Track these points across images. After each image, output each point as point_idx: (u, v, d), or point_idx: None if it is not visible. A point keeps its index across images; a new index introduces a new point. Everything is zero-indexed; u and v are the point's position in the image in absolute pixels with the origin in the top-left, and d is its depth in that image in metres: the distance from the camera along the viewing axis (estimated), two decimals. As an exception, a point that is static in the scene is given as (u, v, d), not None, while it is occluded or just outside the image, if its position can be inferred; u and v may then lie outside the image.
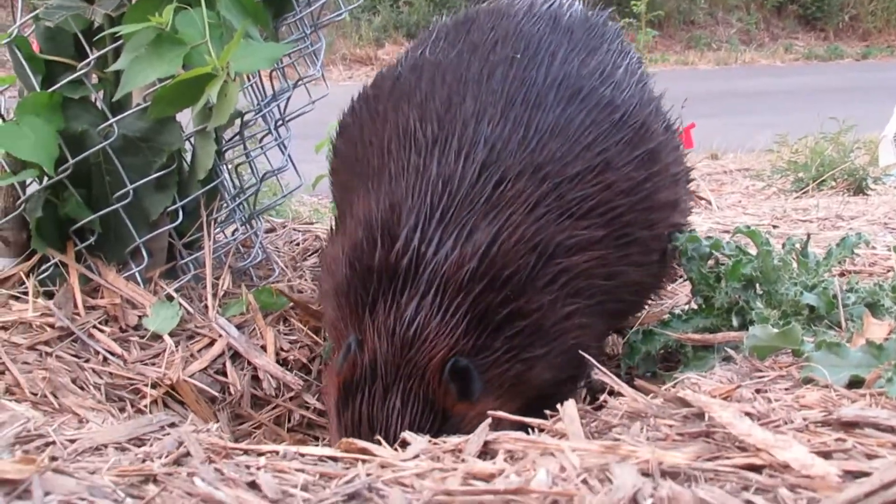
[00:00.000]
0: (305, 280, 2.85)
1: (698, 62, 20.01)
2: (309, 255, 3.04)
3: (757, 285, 2.32)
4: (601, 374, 1.81)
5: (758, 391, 1.67)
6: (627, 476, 1.19)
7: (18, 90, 2.54)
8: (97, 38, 2.45)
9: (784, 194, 6.99)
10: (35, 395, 2.05)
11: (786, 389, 1.72)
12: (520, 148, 2.08)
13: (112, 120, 2.37)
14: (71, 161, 2.40)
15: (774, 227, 4.58)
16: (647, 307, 2.76)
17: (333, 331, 2.14)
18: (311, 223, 3.37)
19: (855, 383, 1.69)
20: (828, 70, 18.98)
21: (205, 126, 2.47)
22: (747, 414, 1.52)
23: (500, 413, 1.67)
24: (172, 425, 1.68)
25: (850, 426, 1.45)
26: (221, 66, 2.14)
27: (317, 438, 2.44)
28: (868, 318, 1.90)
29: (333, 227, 2.47)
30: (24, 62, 2.43)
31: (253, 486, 1.22)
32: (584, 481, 1.19)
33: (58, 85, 2.41)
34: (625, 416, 1.57)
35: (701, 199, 5.88)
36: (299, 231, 3.22)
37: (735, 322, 2.29)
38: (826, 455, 1.31)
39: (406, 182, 2.06)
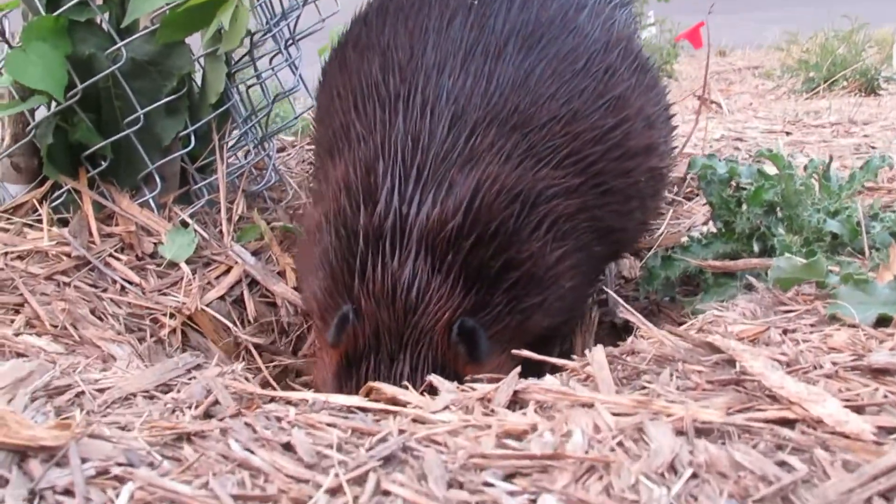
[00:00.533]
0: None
1: (705, -46, 19.52)
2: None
3: (779, 210, 2.30)
4: (626, 312, 1.80)
5: (785, 332, 1.65)
6: (664, 438, 1.19)
7: (22, 13, 2.48)
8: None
9: (794, 95, 6.91)
10: (55, 327, 2.04)
11: (812, 326, 1.71)
12: (483, 101, 2.03)
13: (120, 44, 2.33)
14: (80, 86, 2.38)
15: (788, 133, 4.52)
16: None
17: (319, 302, 2.05)
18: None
19: (883, 321, 1.69)
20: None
21: (215, 49, 2.42)
22: (777, 361, 1.52)
23: (526, 353, 1.68)
24: (198, 367, 1.68)
25: (880, 373, 1.45)
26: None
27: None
28: (894, 250, 1.87)
29: (313, 188, 2.44)
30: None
31: (288, 447, 1.21)
32: (620, 444, 1.19)
33: (63, 8, 2.36)
34: (653, 360, 1.56)
35: (711, 102, 5.82)
36: (311, 149, 3.20)
37: (756, 248, 2.29)
38: (859, 410, 1.31)
39: (376, 141, 2.01)
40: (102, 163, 2.48)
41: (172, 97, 2.44)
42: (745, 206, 2.30)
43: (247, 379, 1.83)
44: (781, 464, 1.16)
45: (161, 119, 2.46)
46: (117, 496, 1.07)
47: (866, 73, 6.69)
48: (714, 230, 2.43)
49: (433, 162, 1.95)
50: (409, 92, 2.05)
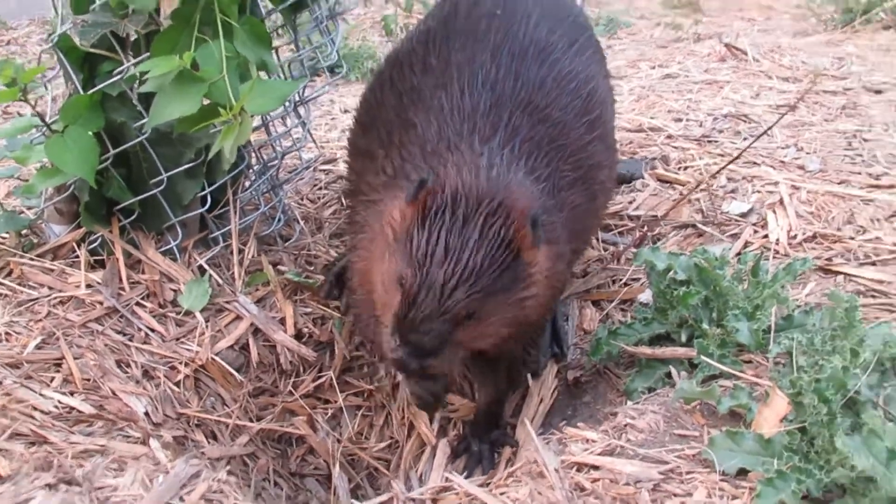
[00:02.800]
0: (321, 235, 3.14)
1: None
2: (328, 203, 3.30)
3: (710, 303, 2.58)
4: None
5: (655, 487, 1.96)
6: None
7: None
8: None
9: (829, 28, 6.86)
10: (88, 381, 2.42)
11: (686, 473, 2.01)
12: (513, 92, 2.45)
13: (147, 119, 2.57)
14: (112, 151, 2.68)
15: (794, 108, 4.60)
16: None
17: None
18: (334, 159, 3.57)
19: (743, 471, 2.00)
20: None
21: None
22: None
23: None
24: (194, 476, 2.05)
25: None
26: (237, 113, 2.36)
27: (327, 402, 2.82)
28: (767, 405, 2.13)
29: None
30: (65, 59, 2.64)
31: None
32: None
33: (98, 86, 2.63)
34: None
35: (736, 49, 5.84)
36: (323, 171, 3.46)
37: (684, 337, 2.57)
38: None
39: (440, 114, 2.43)
40: (132, 215, 2.79)
41: (192, 164, 2.72)
42: (679, 303, 2.57)
43: (239, 476, 2.23)
44: None
45: (182, 181, 2.75)
46: None
47: (899, 10, 6.62)
48: (654, 307, 2.70)
49: (488, 124, 2.38)
50: (457, 81, 2.47)
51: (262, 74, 2.58)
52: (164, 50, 2.41)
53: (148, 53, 2.49)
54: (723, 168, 3.48)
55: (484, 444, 2.59)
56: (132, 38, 2.66)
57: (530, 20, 2.62)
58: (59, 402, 2.32)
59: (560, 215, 2.41)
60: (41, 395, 2.32)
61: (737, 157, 3.52)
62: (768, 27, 7.01)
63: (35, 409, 2.26)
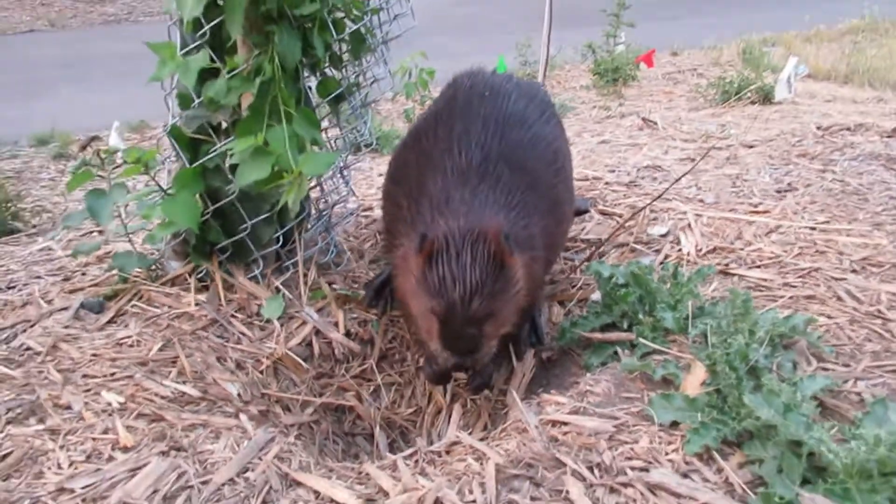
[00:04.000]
0: (363, 261, 3.00)
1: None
2: (367, 239, 3.16)
3: (644, 300, 2.42)
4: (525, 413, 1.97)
5: (611, 437, 1.80)
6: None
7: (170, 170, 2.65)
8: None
9: (713, 105, 6.73)
10: (196, 372, 2.28)
11: (632, 426, 1.86)
12: (499, 148, 2.32)
13: (236, 185, 2.47)
14: (211, 207, 2.55)
15: (692, 159, 4.47)
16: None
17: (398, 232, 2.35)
18: (371, 207, 3.44)
19: (675, 423, 1.84)
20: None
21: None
22: (599, 464, 1.69)
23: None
24: (270, 441, 1.90)
25: (656, 487, 1.62)
26: (296, 176, 2.23)
27: (370, 380, 2.66)
28: (690, 373, 1.98)
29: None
30: (176, 143, 2.52)
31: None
32: None
33: (199, 160, 2.52)
34: (523, 465, 1.74)
35: (650, 122, 5.72)
36: (364, 216, 3.32)
37: (625, 324, 2.41)
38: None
39: (440, 171, 2.29)
40: (227, 251, 2.66)
41: (267, 214, 2.59)
42: (621, 300, 2.42)
43: (306, 438, 2.07)
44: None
45: (261, 227, 2.61)
46: None
47: (763, 89, 6.52)
48: (602, 304, 2.55)
49: (475, 175, 2.25)
50: (454, 144, 2.33)
51: (315, 148, 2.43)
52: (244, 133, 2.30)
53: (233, 137, 2.37)
54: (647, 206, 3.32)
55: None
56: (223, 127, 2.53)
57: (510, 97, 2.50)
58: (175, 389, 2.17)
59: (536, 232, 2.31)
60: (162, 384, 2.17)
61: (657, 199, 3.37)
62: (671, 106, 6.88)
63: (156, 395, 2.11)
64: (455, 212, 2.12)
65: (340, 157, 2.87)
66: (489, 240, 1.99)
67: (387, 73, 2.79)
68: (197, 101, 2.46)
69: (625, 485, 1.62)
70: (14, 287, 2.76)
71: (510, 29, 9.96)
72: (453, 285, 1.93)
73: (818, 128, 4.95)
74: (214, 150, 2.47)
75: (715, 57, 9.57)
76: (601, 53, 7.66)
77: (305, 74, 2.60)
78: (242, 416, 2.10)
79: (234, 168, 2.44)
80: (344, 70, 2.72)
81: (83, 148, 2.70)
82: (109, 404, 2.01)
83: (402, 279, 2.21)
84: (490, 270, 1.97)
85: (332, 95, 2.66)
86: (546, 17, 6.54)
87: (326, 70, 2.67)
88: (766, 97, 6.57)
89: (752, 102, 6.59)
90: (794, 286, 2.59)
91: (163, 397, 2.11)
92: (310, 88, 2.66)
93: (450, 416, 2.42)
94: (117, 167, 2.70)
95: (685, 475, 1.63)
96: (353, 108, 2.80)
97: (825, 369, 2.06)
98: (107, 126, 6.49)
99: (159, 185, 2.49)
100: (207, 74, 2.41)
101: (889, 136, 4.53)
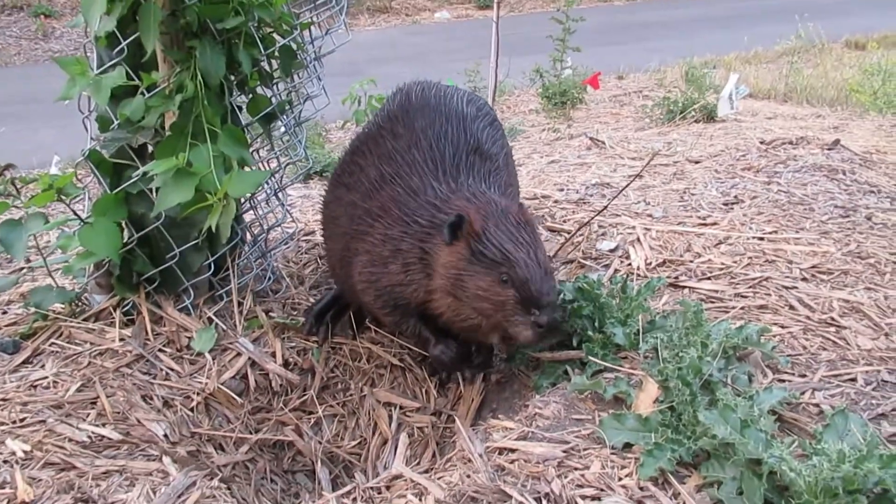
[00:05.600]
0: (303, 287, 2.82)
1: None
2: (308, 264, 2.99)
3: (593, 317, 2.29)
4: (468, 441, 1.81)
5: (560, 464, 1.66)
6: None
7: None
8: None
9: (659, 123, 6.74)
10: (118, 413, 2.08)
11: (583, 451, 1.71)
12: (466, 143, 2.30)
13: (156, 209, 2.28)
14: (136, 235, 2.37)
15: (641, 177, 4.41)
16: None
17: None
18: (312, 231, 3.27)
19: (628, 445, 1.70)
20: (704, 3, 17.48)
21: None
22: (546, 497, 1.54)
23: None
24: (192, 485, 1.71)
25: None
26: (220, 198, 2.06)
27: (311, 413, 2.47)
28: (642, 390, 1.85)
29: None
30: (95, 169, 2.33)
31: None
32: None
33: (121, 186, 2.33)
34: (466, 500, 1.58)
35: (598, 141, 5.68)
36: (304, 241, 3.15)
37: (575, 342, 2.27)
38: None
39: (411, 172, 2.25)
40: (154, 281, 2.47)
41: (196, 240, 2.41)
42: (570, 317, 2.28)
43: (238, 479, 1.88)
44: None
45: (191, 254, 2.44)
46: None
47: (706, 107, 6.56)
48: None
49: (453, 168, 2.23)
50: (425, 145, 2.29)
51: (245, 168, 2.26)
52: (165, 153, 2.14)
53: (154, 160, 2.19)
54: (592, 218, 3.22)
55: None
56: (149, 150, 2.34)
57: (462, 101, 2.46)
58: (92, 432, 1.97)
59: None
60: (77, 428, 1.96)
61: (602, 210, 3.28)
62: (618, 126, 6.86)
63: (70, 440, 1.91)
64: (471, 194, 2.13)
65: (273, 177, 2.70)
66: (520, 211, 2.07)
67: (321, 89, 2.64)
68: (115, 122, 2.27)
69: (574, 516, 1.47)
70: (-76, 328, 2.51)
71: (460, 57, 9.93)
72: (527, 246, 1.95)
73: (761, 142, 4.94)
74: (136, 175, 2.28)
75: (659, 79, 9.66)
76: (549, 77, 7.64)
77: (235, 93, 2.44)
78: (166, 459, 1.90)
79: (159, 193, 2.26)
80: (275, 87, 2.56)
81: (-1, 175, 2.47)
82: (13, 454, 1.79)
83: (377, 265, 2.20)
84: (535, 233, 2.04)
85: (263, 113, 2.50)
86: (493, 42, 6.50)
87: (257, 88, 2.51)
88: (709, 115, 6.61)
89: (697, 121, 6.61)
90: (746, 296, 2.49)
91: (77, 442, 1.90)
92: (240, 108, 2.49)
93: (396, 448, 2.24)
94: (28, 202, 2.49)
95: (639, 502, 1.48)
96: (286, 126, 2.64)
97: (781, 381, 1.94)
98: (48, 163, 6.21)
99: (75, 213, 2.29)
100: (126, 94, 2.23)
101: (829, 149, 4.53)
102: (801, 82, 8.76)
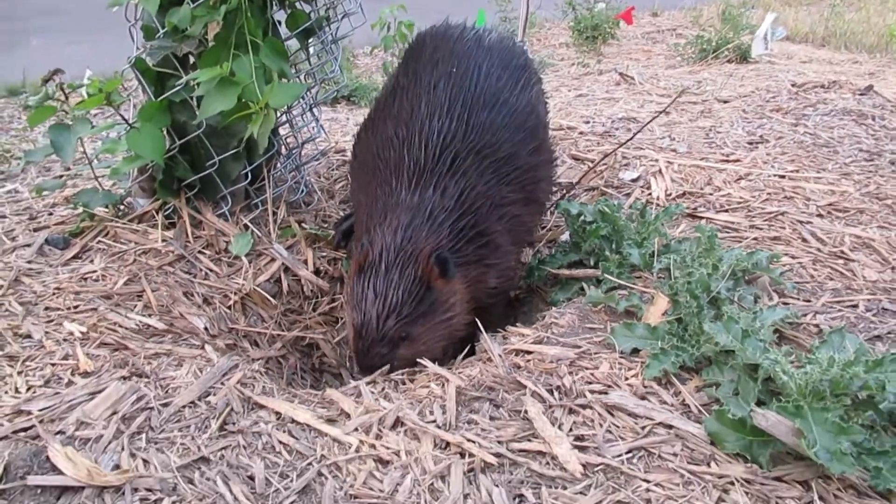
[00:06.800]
0: (334, 202, 2.95)
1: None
2: (338, 180, 3.11)
3: (611, 238, 2.41)
4: (485, 340, 1.96)
5: (572, 363, 1.80)
6: (456, 483, 1.38)
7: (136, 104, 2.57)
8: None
9: (691, 62, 6.68)
10: (162, 306, 2.24)
11: (593, 354, 1.85)
12: (464, 138, 2.14)
13: (200, 117, 2.40)
14: (178, 143, 2.49)
15: (668, 113, 4.45)
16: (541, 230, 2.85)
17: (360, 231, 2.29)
18: (343, 150, 3.38)
19: (635, 350, 1.84)
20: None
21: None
22: (558, 387, 1.69)
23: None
24: (233, 369, 1.88)
25: (612, 408, 1.63)
26: (262, 106, 2.17)
27: (337, 319, 2.63)
28: (653, 304, 1.98)
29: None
30: (141, 76, 2.45)
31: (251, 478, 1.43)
32: (431, 486, 1.39)
33: (165, 94, 2.45)
34: (484, 388, 1.73)
35: (627, 77, 5.67)
36: (336, 158, 3.27)
37: (592, 261, 2.41)
38: (583, 448, 1.49)
39: (392, 165, 2.17)
40: (195, 187, 2.61)
41: (235, 149, 2.53)
42: (589, 237, 2.41)
43: (273, 371, 2.05)
44: (518, 497, 1.36)
45: (229, 163, 2.56)
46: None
47: (740, 47, 6.49)
48: (571, 242, 2.54)
49: (429, 171, 2.10)
50: (412, 133, 2.17)
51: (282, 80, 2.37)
52: (209, 63, 2.23)
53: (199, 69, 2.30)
54: (617, 149, 3.32)
55: None
56: (191, 61, 2.45)
57: (481, 70, 2.30)
58: (139, 321, 2.13)
59: (498, 237, 2.18)
60: (126, 317, 2.13)
61: (627, 142, 3.36)
62: (649, 64, 6.82)
63: (120, 326, 2.08)
64: (394, 223, 2.03)
65: (310, 92, 2.80)
66: (419, 261, 1.95)
67: (358, 7, 2.72)
68: (161, 31, 2.38)
69: (583, 406, 1.62)
70: (-23, 225, 2.69)
71: (492, -15, 9.78)
72: (372, 302, 1.91)
73: (793, 85, 4.94)
74: (180, 83, 2.40)
75: (695, 17, 9.48)
76: (581, 11, 7.56)
77: (276, 6, 2.52)
78: (208, 348, 2.07)
79: (200, 101, 2.37)
80: (314, 3, 2.64)
81: (46, 81, 2.58)
82: (71, 333, 1.97)
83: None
84: (414, 291, 1.94)
85: (301, 29, 2.59)
86: (526, -28, 6.42)
87: (296, 3, 2.59)
88: (743, 56, 6.54)
89: (729, 61, 6.54)
90: (761, 228, 2.59)
91: (126, 328, 2.07)
92: (279, 23, 2.58)
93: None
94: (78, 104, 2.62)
95: (643, 397, 1.64)
96: (323, 43, 2.73)
97: (786, 303, 2.06)
98: (79, 77, 6.31)
99: (123, 118, 2.41)
100: (172, 3, 2.33)
101: (862, 94, 4.52)
102: (841, 27, 8.56)
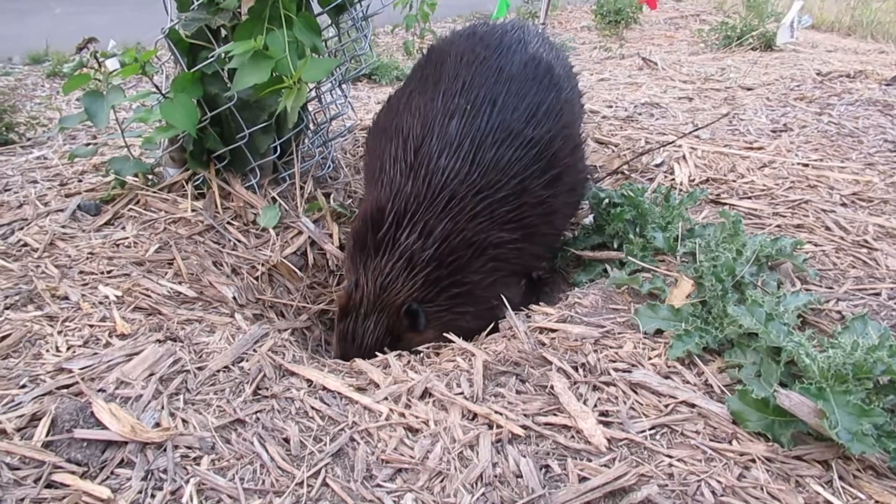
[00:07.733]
0: (360, 178, 2.99)
1: None
2: (363, 157, 3.14)
3: (635, 222, 2.44)
4: (510, 317, 2.00)
5: (596, 341, 1.84)
6: (484, 451, 1.43)
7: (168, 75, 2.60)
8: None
9: (714, 49, 6.65)
10: (192, 275, 2.29)
11: (617, 334, 1.89)
12: (466, 177, 2.08)
13: (234, 90, 2.44)
14: (209, 114, 2.53)
15: (690, 99, 4.45)
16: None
17: (346, 271, 2.35)
18: (368, 126, 3.41)
19: (659, 331, 1.88)
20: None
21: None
22: (583, 364, 1.73)
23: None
24: (264, 336, 1.93)
25: (636, 385, 1.67)
26: (295, 81, 2.21)
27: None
28: (677, 286, 2.01)
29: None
30: (174, 47, 2.48)
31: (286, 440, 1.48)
32: (460, 454, 1.44)
33: (198, 66, 2.48)
34: (510, 363, 1.78)
35: (650, 62, 5.66)
36: (361, 135, 3.30)
37: (615, 244, 2.44)
38: (608, 423, 1.53)
39: (391, 191, 2.14)
40: (225, 159, 2.64)
41: (265, 123, 2.57)
42: (613, 220, 2.43)
43: (299, 341, 2.10)
44: (545, 467, 1.41)
45: (259, 136, 2.60)
46: (192, 468, 1.36)
47: (765, 34, 6.45)
48: (594, 225, 2.57)
49: (423, 211, 2.07)
50: (418, 165, 2.13)
51: (314, 56, 2.40)
52: (243, 37, 2.25)
53: (232, 41, 2.33)
54: (657, 148, 3.31)
55: None
56: (223, 34, 2.49)
57: (504, 89, 2.20)
58: (171, 288, 2.18)
59: (483, 278, 2.12)
60: (158, 283, 2.18)
61: (672, 143, 3.36)
62: (671, 49, 6.80)
63: (153, 291, 2.13)
64: (377, 270, 2.07)
65: (340, 68, 2.83)
66: (391, 312, 2.05)
67: (386, -15, 2.75)
68: (196, 2, 2.41)
69: (607, 383, 1.66)
70: (10, 190, 2.74)
71: (514, -33, 9.72)
72: (350, 344, 2.07)
73: (818, 74, 4.92)
74: (213, 56, 2.43)
75: (719, 3, 9.43)
76: (605, -6, 7.53)
77: (307, -17, 2.55)
78: (238, 316, 2.12)
79: (232, 74, 2.41)
80: (346, -20, 2.66)
81: (80, 49, 2.62)
82: (106, 297, 2.02)
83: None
84: (385, 342, 2.06)
85: (333, 5, 2.61)
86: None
87: (328, -21, 2.62)
88: (767, 44, 6.51)
89: (754, 48, 6.52)
90: (784, 216, 2.61)
91: (159, 294, 2.12)
92: (311, -1, 2.61)
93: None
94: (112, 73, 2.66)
95: (666, 376, 1.67)
96: (353, 20, 2.75)
97: (808, 290, 2.09)
98: (101, 47, 6.35)
99: (157, 88, 2.45)
100: (207, -25, 2.36)
101: (888, 84, 4.50)
102: (868, 16, 8.49)
